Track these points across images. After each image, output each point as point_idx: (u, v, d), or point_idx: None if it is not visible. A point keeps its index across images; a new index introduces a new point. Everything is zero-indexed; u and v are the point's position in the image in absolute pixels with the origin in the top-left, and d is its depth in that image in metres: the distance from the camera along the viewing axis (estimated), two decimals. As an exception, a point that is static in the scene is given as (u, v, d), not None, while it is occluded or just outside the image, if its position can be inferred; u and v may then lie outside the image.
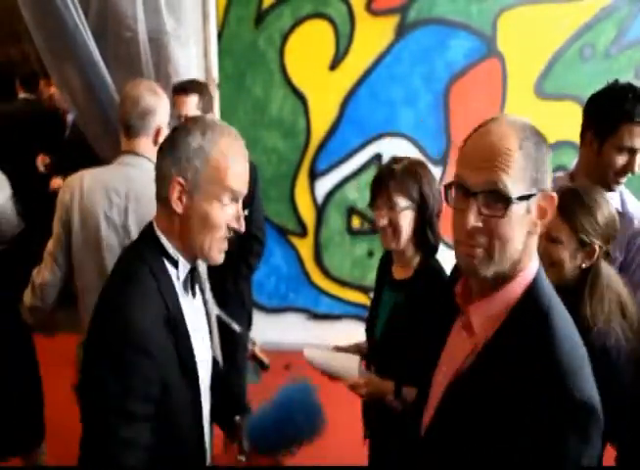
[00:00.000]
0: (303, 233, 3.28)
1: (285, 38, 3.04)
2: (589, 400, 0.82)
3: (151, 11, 2.58)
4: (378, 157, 3.11)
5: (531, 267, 0.93)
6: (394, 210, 1.45)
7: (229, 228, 1.15)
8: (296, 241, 3.29)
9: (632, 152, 1.64)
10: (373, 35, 2.98)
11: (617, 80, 1.69)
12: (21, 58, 4.47)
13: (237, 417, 1.45)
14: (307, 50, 3.04)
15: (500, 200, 0.86)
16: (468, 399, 0.92)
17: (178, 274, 1.17)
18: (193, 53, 2.76)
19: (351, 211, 3.20)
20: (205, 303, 1.34)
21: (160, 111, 1.76)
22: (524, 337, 0.88)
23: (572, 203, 1.39)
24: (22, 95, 3.86)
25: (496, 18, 2.89)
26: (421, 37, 2.96)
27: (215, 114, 3.04)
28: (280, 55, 3.06)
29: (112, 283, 1.16)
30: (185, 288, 1.19)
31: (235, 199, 1.15)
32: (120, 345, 1.03)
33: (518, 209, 0.86)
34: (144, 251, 1.17)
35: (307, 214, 3.25)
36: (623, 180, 1.69)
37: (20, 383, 2.14)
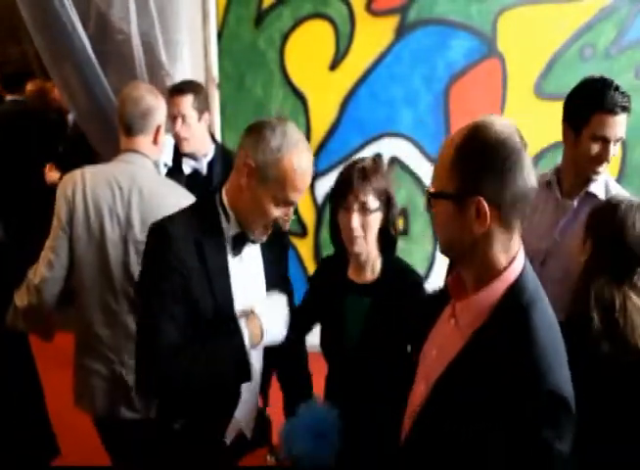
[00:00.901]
0: (303, 233, 3.28)
1: (285, 38, 3.04)
2: (561, 393, 0.90)
3: (143, 14, 2.60)
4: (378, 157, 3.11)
5: (514, 268, 1.00)
6: (367, 212, 1.40)
7: (275, 222, 1.33)
8: (296, 241, 3.28)
9: (605, 141, 1.68)
10: (373, 35, 2.98)
11: (592, 76, 1.74)
12: (5, 58, 4.45)
13: (266, 412, 1.48)
14: (307, 50, 3.03)
15: (430, 194, 1.02)
16: (455, 391, 1.00)
17: (229, 228, 1.34)
18: (186, 55, 2.77)
19: (351, 211, 3.20)
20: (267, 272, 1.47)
21: (159, 111, 1.82)
22: (503, 333, 0.96)
23: (601, 204, 1.53)
24: (8, 97, 3.83)
25: (496, 18, 2.88)
26: (421, 37, 2.95)
27: (215, 113, 3.05)
28: (280, 55, 3.06)
29: None
30: (233, 244, 1.34)
31: (289, 204, 1.32)
32: (154, 245, 1.28)
33: (444, 205, 0.99)
34: (204, 200, 1.38)
35: (307, 214, 3.25)
36: (601, 169, 1.73)
37: (20, 397, 2.15)
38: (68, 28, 2.42)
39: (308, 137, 3.13)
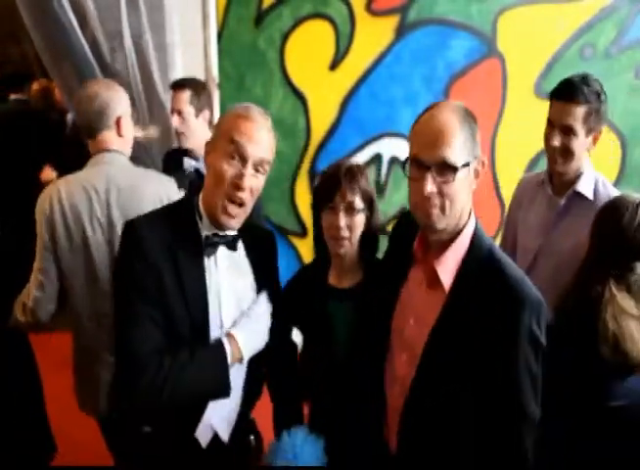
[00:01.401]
0: (303, 233, 3.27)
1: (285, 38, 3.04)
2: (536, 298, 1.08)
3: (135, 15, 2.62)
4: (378, 157, 3.11)
5: (472, 221, 1.19)
6: (353, 211, 1.39)
7: (234, 188, 1.25)
8: (296, 241, 3.28)
9: (552, 125, 1.73)
10: (373, 35, 2.98)
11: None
12: (5, 58, 4.47)
13: (251, 437, 1.50)
14: (307, 50, 3.03)
15: (449, 169, 1.10)
16: (446, 352, 1.12)
17: (203, 229, 1.31)
18: (180, 55, 2.78)
19: (351, 211, 3.19)
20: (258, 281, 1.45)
21: (116, 103, 1.76)
22: (479, 274, 1.13)
23: (605, 203, 1.54)
24: (12, 97, 3.86)
25: (496, 18, 2.89)
26: (421, 37, 2.96)
27: (215, 113, 3.04)
28: (280, 55, 3.06)
29: None
30: (205, 244, 1.30)
31: (243, 158, 1.25)
32: (126, 248, 1.26)
33: (461, 173, 1.11)
34: (182, 201, 1.38)
35: (307, 214, 3.24)
36: (562, 162, 1.74)
37: (20, 395, 2.15)
38: (68, 29, 2.43)
39: (308, 137, 3.13)
